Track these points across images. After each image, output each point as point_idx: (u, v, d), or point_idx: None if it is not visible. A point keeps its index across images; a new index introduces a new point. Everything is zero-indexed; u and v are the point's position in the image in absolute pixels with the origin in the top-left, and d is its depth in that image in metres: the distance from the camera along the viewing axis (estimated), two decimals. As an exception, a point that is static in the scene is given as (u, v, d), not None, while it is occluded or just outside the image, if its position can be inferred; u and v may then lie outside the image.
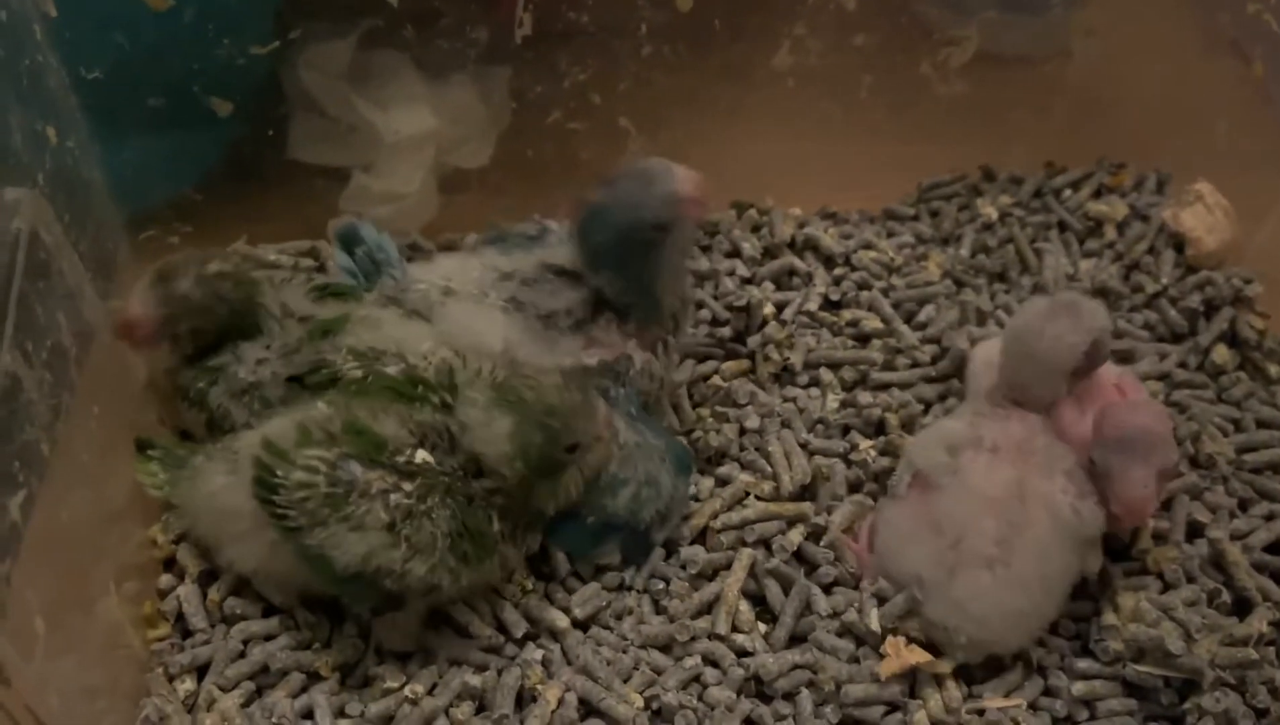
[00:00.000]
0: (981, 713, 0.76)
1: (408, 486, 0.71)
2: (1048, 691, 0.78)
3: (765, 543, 0.83)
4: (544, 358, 0.81)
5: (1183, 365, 0.98)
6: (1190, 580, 0.81)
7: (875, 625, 0.77)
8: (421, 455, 0.72)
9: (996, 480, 0.77)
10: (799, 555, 0.82)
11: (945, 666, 0.76)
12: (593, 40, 0.98)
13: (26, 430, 0.61)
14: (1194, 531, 0.85)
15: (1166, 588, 0.81)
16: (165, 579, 0.80)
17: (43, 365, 0.65)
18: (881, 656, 0.76)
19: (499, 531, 0.74)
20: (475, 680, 0.73)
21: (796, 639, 0.79)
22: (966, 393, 0.91)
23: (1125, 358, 0.98)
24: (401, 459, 0.71)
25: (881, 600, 0.78)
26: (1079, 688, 0.77)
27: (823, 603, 0.79)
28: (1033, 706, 0.77)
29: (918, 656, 0.76)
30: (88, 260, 0.79)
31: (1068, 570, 0.77)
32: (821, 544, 0.82)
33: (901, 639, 0.76)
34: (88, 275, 0.78)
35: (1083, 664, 0.78)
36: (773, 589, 0.80)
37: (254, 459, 0.72)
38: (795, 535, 0.82)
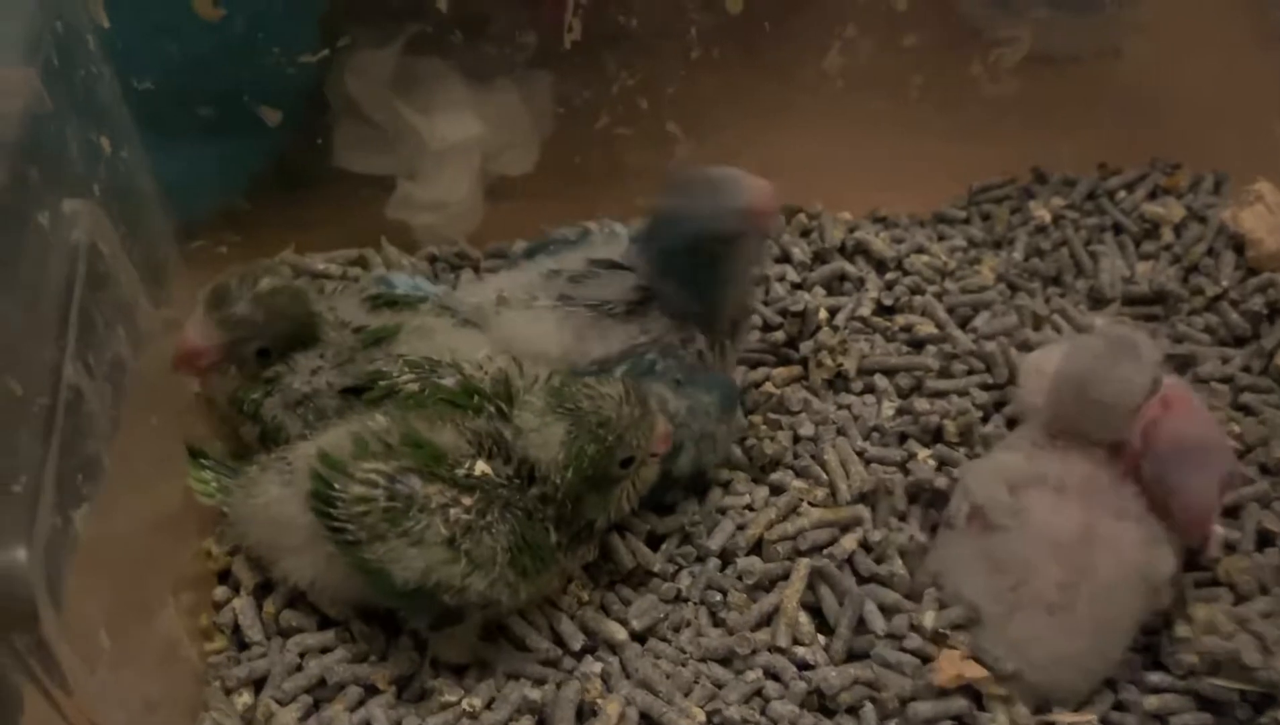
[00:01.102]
0: (1051, 727, 0.74)
1: (467, 500, 0.70)
2: (1119, 706, 0.76)
3: (821, 551, 0.81)
4: (598, 349, 0.80)
5: (1246, 369, 0.95)
6: (1264, 591, 0.79)
7: (929, 623, 0.75)
8: (481, 467, 0.71)
9: (1063, 524, 0.74)
10: (853, 562, 0.80)
11: (1000, 689, 0.74)
12: (641, 44, 0.98)
13: (89, 443, 0.61)
14: (1265, 540, 0.83)
15: (1239, 599, 0.79)
16: (220, 591, 0.79)
17: (104, 377, 0.65)
18: (934, 658, 0.74)
19: (556, 543, 0.73)
20: (534, 694, 0.72)
21: (855, 649, 0.77)
22: (1019, 406, 0.89)
23: (1186, 362, 0.96)
24: (461, 472, 0.70)
25: (941, 606, 0.77)
26: (1151, 702, 0.75)
27: (879, 621, 0.77)
28: (1104, 721, 0.75)
29: (974, 671, 0.74)
30: (141, 271, 0.78)
31: (1132, 613, 0.75)
32: (873, 557, 0.80)
33: (957, 653, 0.75)
34: (142, 286, 0.78)
35: (1154, 677, 0.76)
36: (828, 599, 0.79)
37: (311, 472, 0.71)
38: (849, 542, 0.81)
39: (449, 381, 0.77)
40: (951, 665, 0.74)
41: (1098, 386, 0.76)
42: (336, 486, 0.70)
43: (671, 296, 0.81)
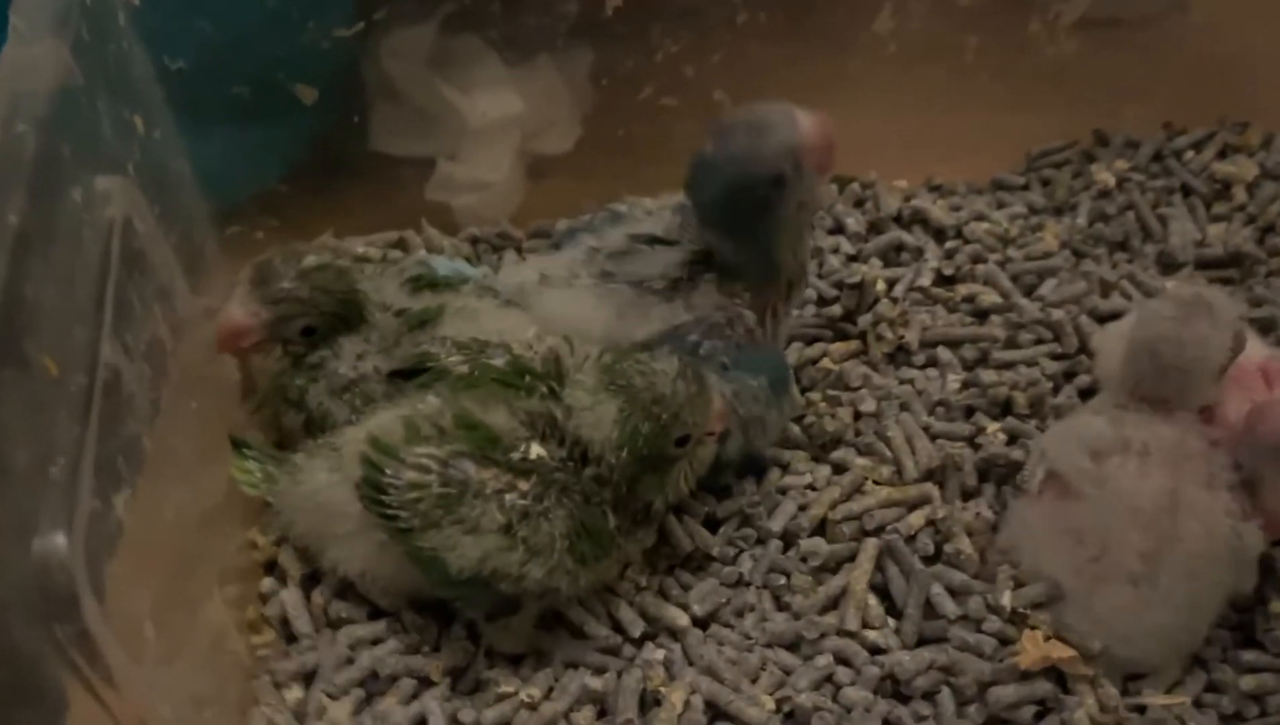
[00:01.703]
0: (1142, 710, 0.70)
1: (523, 485, 0.67)
2: (1211, 686, 0.72)
3: (888, 529, 0.77)
4: (639, 329, 0.77)
5: (1330, 331, 0.91)
6: (1365, 563, 0.74)
7: (1007, 603, 0.71)
8: (536, 450, 0.68)
9: (1146, 490, 0.70)
10: (917, 542, 0.76)
11: (1088, 669, 0.70)
12: (685, 9, 0.94)
13: (129, 424, 0.59)
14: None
15: (1336, 572, 0.75)
16: (267, 582, 0.76)
17: (141, 358, 0.62)
18: (1014, 640, 0.71)
19: (615, 527, 0.70)
20: (595, 683, 0.69)
21: (926, 632, 0.73)
22: (1098, 374, 0.84)
23: (1267, 326, 0.91)
24: (516, 455, 0.68)
25: (1018, 584, 0.73)
26: (1248, 682, 0.71)
27: (948, 603, 0.73)
28: (1197, 703, 0.71)
29: (1060, 651, 0.70)
30: (178, 255, 0.76)
31: (1220, 586, 0.71)
32: (939, 537, 0.77)
33: (1040, 633, 0.71)
34: (179, 270, 0.75)
35: (1249, 656, 0.72)
36: (897, 581, 0.75)
37: (361, 457, 0.69)
38: (916, 519, 0.77)
39: (499, 361, 0.74)
40: (1036, 647, 0.70)
41: (1173, 351, 0.71)
42: (388, 472, 0.67)
43: (726, 253, 0.77)
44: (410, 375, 0.76)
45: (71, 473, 0.51)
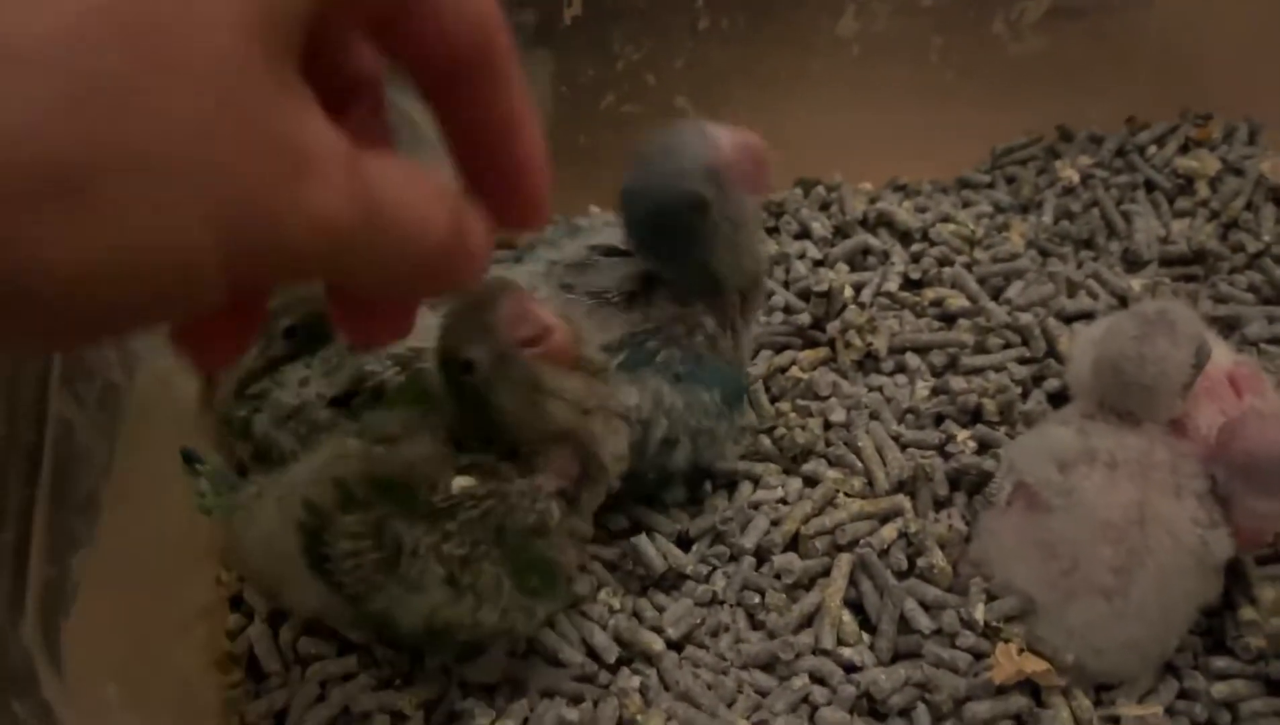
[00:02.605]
0: (1116, 720, 0.70)
1: (450, 526, 0.64)
2: (1184, 694, 0.72)
3: (861, 544, 0.77)
4: (600, 336, 0.75)
5: (1294, 328, 0.91)
6: (1333, 568, 0.75)
7: (980, 617, 0.71)
8: (459, 483, 0.65)
9: (1115, 502, 0.70)
10: (890, 556, 0.76)
11: (1061, 680, 0.71)
12: (645, 16, 0.92)
13: (84, 479, 0.56)
14: (1329, 512, 0.78)
15: (1304, 576, 0.75)
16: (233, 619, 0.75)
17: (95, 405, 0.60)
18: (988, 654, 0.70)
19: (560, 523, 0.66)
20: (572, 714, 0.68)
21: (901, 648, 0.73)
22: (1070, 381, 0.84)
23: (1231, 324, 0.91)
24: (438, 498, 0.64)
25: (991, 597, 0.73)
26: (1220, 689, 0.71)
27: (923, 618, 0.73)
28: (1170, 711, 0.71)
29: (1034, 665, 0.70)
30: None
31: (1190, 596, 0.71)
32: (911, 550, 0.76)
33: (1013, 647, 0.71)
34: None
35: (1220, 663, 0.72)
36: (870, 596, 0.75)
37: (298, 524, 0.66)
38: (889, 532, 0.77)
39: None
40: (1009, 660, 0.70)
41: (1135, 369, 0.71)
42: (326, 539, 0.65)
43: (666, 275, 0.76)
44: (350, 398, 0.74)
45: (23, 539, 0.49)
